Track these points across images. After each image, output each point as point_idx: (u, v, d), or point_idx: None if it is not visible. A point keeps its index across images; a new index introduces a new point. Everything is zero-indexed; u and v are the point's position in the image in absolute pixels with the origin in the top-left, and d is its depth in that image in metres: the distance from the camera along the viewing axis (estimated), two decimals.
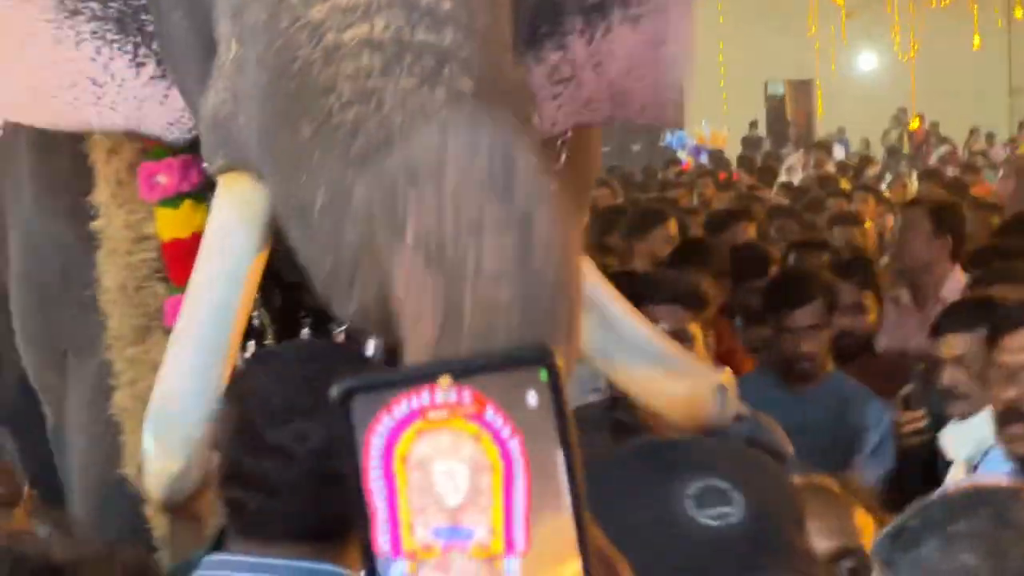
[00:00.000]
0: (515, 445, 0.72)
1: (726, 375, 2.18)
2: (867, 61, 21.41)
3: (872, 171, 14.14)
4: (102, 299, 2.47)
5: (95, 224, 2.47)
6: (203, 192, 2.27)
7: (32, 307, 2.74)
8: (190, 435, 1.92)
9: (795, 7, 18.61)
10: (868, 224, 6.48)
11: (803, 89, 20.85)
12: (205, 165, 2.10)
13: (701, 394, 2.10)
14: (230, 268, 2.03)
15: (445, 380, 0.72)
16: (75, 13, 2.30)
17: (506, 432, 0.72)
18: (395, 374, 0.73)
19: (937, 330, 3.10)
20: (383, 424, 0.71)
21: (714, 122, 18.01)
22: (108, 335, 2.47)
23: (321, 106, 1.69)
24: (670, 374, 2.11)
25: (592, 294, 1.99)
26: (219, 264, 2.05)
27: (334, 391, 0.70)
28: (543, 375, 0.72)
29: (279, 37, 1.76)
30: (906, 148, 19.59)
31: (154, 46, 2.27)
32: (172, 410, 1.97)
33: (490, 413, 0.71)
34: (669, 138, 17.59)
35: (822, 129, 20.38)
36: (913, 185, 10.90)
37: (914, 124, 20.02)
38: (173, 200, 2.37)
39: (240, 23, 1.89)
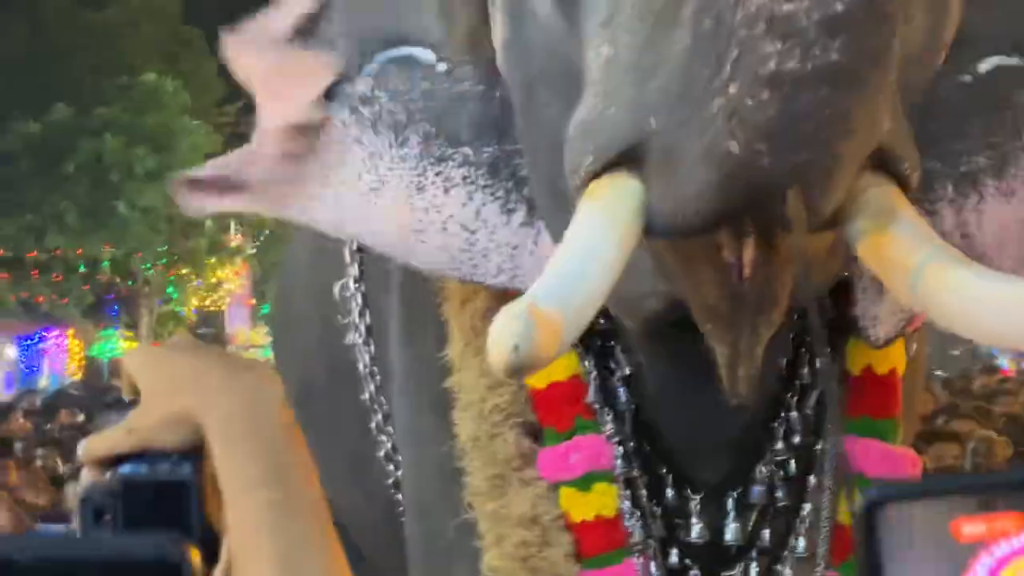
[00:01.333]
0: None
1: None
2: None
3: None
4: (459, 456, 2.38)
5: (451, 381, 2.40)
6: None
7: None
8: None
9: None
10: None
11: None
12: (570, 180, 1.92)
13: None
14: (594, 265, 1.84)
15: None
16: (442, 160, 2.25)
17: None
18: (935, 483, 0.67)
19: None
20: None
21: None
22: (466, 492, 2.37)
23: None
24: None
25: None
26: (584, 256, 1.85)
27: (858, 502, 0.65)
28: None
29: None
30: None
31: (525, 191, 2.21)
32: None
33: None
34: None
35: None
36: None
37: None
38: None
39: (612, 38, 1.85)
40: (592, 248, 1.80)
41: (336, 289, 2.78)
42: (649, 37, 1.78)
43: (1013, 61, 2.25)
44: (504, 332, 1.71)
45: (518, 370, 1.73)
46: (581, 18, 1.93)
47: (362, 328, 2.73)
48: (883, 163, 1.84)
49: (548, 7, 2.03)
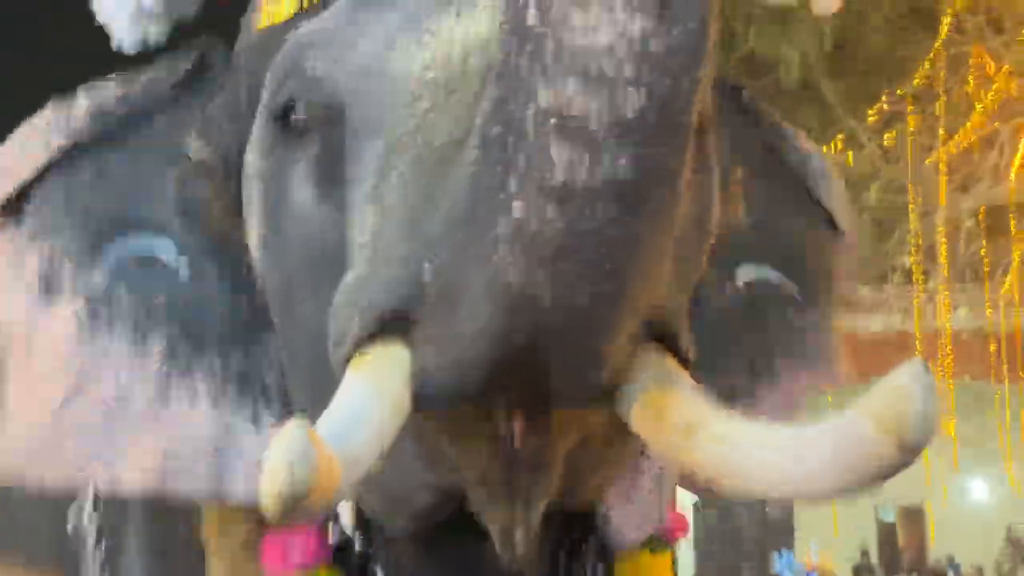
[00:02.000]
0: None
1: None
2: (979, 489, 21.06)
3: None
4: None
5: None
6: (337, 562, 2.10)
7: None
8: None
9: None
10: None
11: (914, 516, 20.48)
12: (335, 350, 1.79)
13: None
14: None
15: None
16: (188, 370, 2.06)
17: None
18: None
19: None
20: None
21: (824, 546, 17.66)
22: None
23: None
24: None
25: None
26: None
27: None
28: None
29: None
30: None
31: (275, 399, 2.05)
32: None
33: None
34: (778, 562, 17.26)
35: (933, 557, 19.88)
36: None
37: None
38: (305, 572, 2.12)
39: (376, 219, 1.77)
40: (359, 416, 1.66)
41: (71, 515, 2.54)
42: (431, 170, 1.70)
43: (770, 275, 2.25)
44: (279, 452, 1.50)
45: (293, 497, 1.50)
46: (347, 197, 1.84)
47: (96, 563, 2.48)
48: (661, 336, 1.77)
49: (310, 195, 1.92)
